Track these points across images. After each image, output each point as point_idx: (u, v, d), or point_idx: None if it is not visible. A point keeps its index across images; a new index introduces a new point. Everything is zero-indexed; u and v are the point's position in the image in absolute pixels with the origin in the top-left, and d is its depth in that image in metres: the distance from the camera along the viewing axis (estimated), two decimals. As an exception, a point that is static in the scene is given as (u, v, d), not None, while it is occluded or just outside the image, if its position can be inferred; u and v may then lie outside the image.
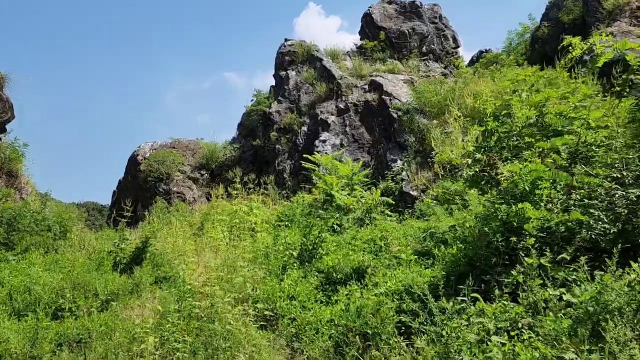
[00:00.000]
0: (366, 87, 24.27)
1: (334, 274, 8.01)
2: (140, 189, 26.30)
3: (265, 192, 19.05)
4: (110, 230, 19.26)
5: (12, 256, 13.35)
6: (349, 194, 16.33)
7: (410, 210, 15.58)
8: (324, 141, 22.66)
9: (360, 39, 30.02)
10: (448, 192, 14.09)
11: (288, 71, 27.71)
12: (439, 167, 17.12)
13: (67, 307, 7.44)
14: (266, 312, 7.36)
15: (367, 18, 30.01)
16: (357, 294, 6.99)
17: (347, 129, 22.95)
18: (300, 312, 7.11)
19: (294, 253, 9.79)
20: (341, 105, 23.76)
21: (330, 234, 10.96)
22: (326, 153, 20.97)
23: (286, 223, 13.08)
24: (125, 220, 13.07)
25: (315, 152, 20.52)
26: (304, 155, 19.75)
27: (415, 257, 7.98)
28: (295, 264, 9.48)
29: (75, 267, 9.63)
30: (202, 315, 6.81)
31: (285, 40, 30.19)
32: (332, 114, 23.67)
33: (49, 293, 8.04)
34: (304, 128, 24.14)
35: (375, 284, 7.21)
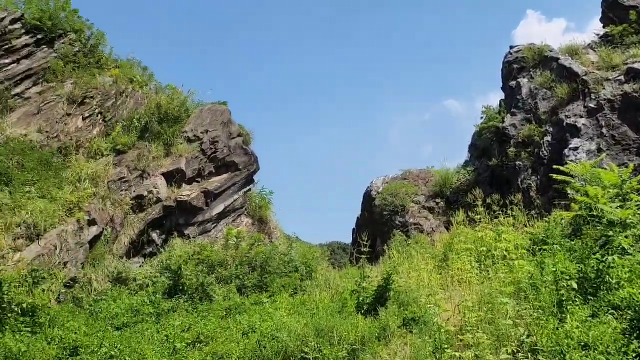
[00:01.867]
0: (622, 78, 20.13)
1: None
2: (377, 223, 26.10)
3: (512, 214, 16.68)
4: (353, 268, 19.07)
5: (266, 298, 13.81)
6: (620, 207, 13.08)
7: None
8: (575, 149, 19.26)
9: (603, 27, 25.54)
10: None
11: (518, 80, 24.90)
12: None
13: (312, 357, 6.74)
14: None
15: (611, 0, 25.46)
16: None
17: (604, 130, 19.17)
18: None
19: (572, 284, 7.60)
20: (591, 105, 20.07)
21: (618, 256, 8.41)
22: (580, 162, 17.67)
23: (553, 245, 10.75)
24: (364, 257, 12.39)
25: (568, 162, 17.39)
26: (554, 167, 16.84)
27: None
28: (577, 299, 7.31)
29: (320, 310, 9.06)
30: (468, 373, 5.30)
31: (511, 48, 27.52)
32: (581, 117, 20.12)
33: (295, 340, 7.51)
34: (547, 138, 21.03)
35: None
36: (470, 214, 16.03)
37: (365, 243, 11.86)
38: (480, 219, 15.07)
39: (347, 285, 12.93)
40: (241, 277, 15.21)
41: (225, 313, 11.92)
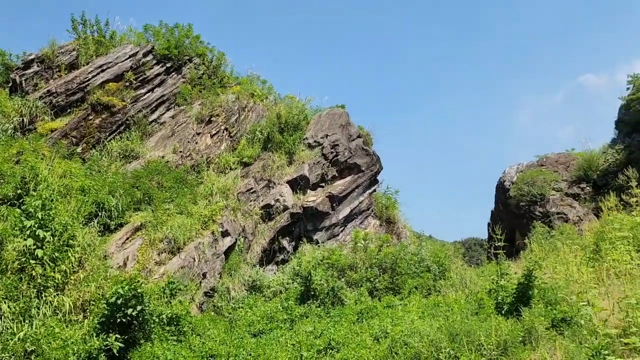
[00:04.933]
0: None
1: None
2: (514, 216, 24.29)
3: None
4: (492, 264, 17.91)
5: (399, 300, 13.32)
6: None
7: None
8: None
9: None
10: None
11: (670, 39, 21.72)
12: None
13: (447, 366, 6.16)
14: None
15: None
16: None
17: None
18: None
19: None
20: None
21: None
22: None
23: None
24: (502, 252, 11.39)
25: None
26: None
27: None
28: None
29: (454, 312, 8.38)
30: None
31: (656, 5, 24.21)
32: None
33: (427, 346, 6.95)
34: None
35: None
36: (623, 197, 14.15)
37: (500, 237, 10.89)
38: (636, 202, 13.19)
39: (484, 284, 12.00)
40: (371, 279, 14.89)
41: (356, 317, 11.65)
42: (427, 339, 7.13)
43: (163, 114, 20.11)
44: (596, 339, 5.49)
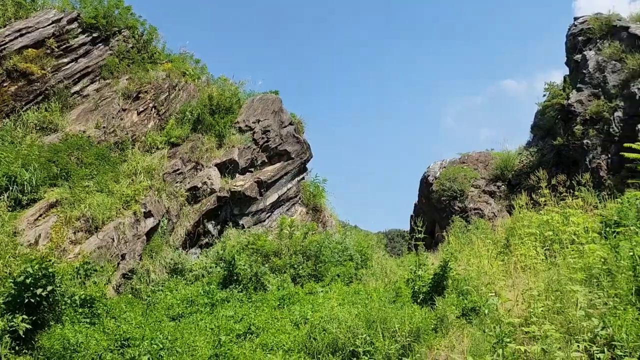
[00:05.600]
0: (703, 42, 18.41)
1: None
2: (436, 209, 25.33)
3: (580, 195, 15.57)
4: (412, 255, 18.57)
5: (321, 287, 13.54)
6: None
7: None
8: (650, 123, 17.83)
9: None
10: None
11: (584, 52, 23.31)
12: None
13: (362, 351, 6.36)
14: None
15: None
16: None
17: (684, 101, 17.60)
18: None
19: (652, 270, 6.79)
20: (668, 74, 18.48)
21: None
22: (657, 137, 16.24)
23: (629, 227, 9.83)
24: (421, 243, 11.86)
25: (642, 138, 16.03)
26: (625, 145, 15.55)
27: None
28: (658, 286, 6.51)
29: (372, 299, 8.65)
30: (534, 370, 4.75)
31: (575, 19, 25.94)
32: (657, 88, 18.58)
33: (345, 332, 7.15)
34: (618, 113, 19.60)
35: None
36: (533, 196, 15.14)
37: (420, 229, 11.32)
38: (544, 201, 14.15)
39: (403, 274, 12.46)
40: (295, 266, 15.03)
41: (278, 303, 11.75)
42: (345, 325, 7.33)
43: (87, 86, 19.09)
44: (500, 327, 5.88)
